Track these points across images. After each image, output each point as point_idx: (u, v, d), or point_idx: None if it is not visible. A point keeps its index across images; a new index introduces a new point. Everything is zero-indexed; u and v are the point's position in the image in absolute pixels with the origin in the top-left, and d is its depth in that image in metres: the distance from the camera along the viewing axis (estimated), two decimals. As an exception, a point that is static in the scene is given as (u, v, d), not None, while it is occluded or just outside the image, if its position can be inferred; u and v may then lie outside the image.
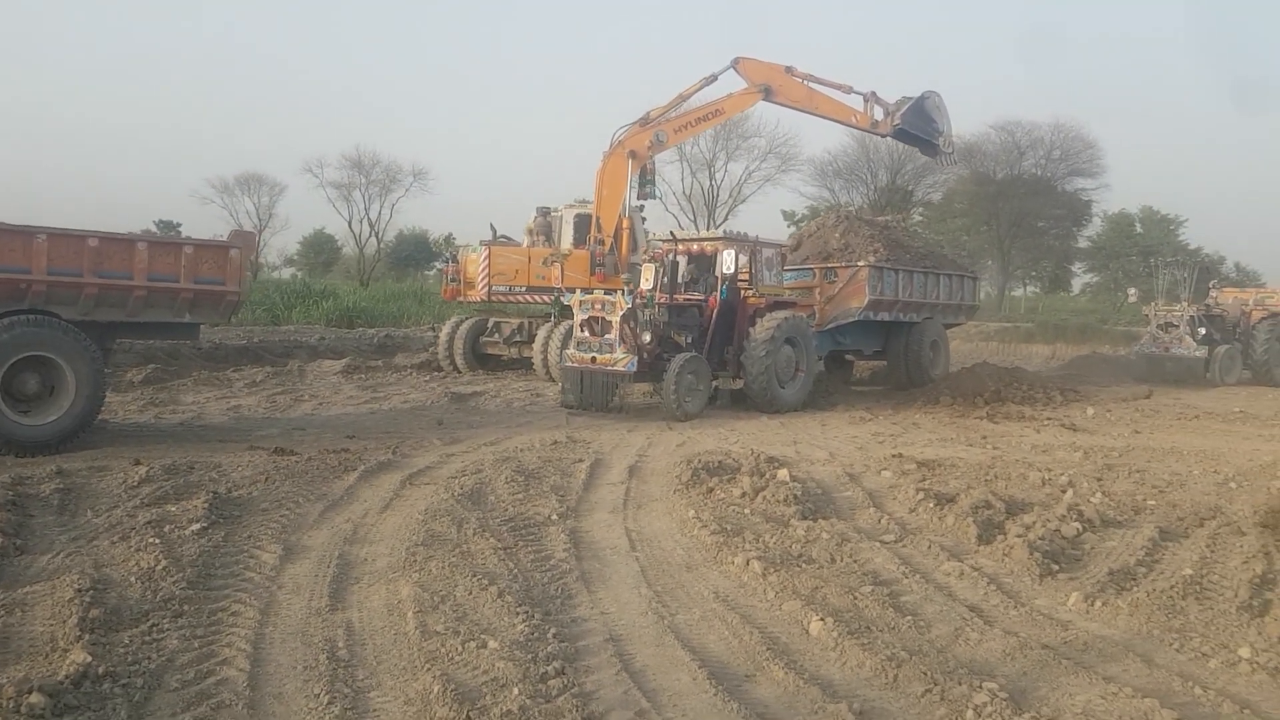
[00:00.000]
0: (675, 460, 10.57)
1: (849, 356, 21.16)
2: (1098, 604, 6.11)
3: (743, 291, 15.94)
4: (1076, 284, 77.54)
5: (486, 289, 19.40)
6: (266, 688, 4.77)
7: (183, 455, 10.02)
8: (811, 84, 19.71)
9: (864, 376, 22.40)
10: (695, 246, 16.58)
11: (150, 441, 11.24)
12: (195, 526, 7.26)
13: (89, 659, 4.75)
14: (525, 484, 9.18)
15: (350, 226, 65.75)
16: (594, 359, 14.25)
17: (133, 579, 6.13)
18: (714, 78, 19.69)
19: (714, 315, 15.54)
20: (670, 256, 16.04)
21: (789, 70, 19.57)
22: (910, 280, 19.37)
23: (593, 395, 14.37)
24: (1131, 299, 25.06)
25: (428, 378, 19.46)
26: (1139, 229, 69.67)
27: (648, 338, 14.18)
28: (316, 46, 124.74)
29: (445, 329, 21.22)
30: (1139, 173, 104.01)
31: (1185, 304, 24.06)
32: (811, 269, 19.14)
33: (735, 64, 19.64)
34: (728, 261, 15.20)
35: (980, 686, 4.70)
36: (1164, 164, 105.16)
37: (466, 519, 7.73)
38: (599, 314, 14.28)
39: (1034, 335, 38.68)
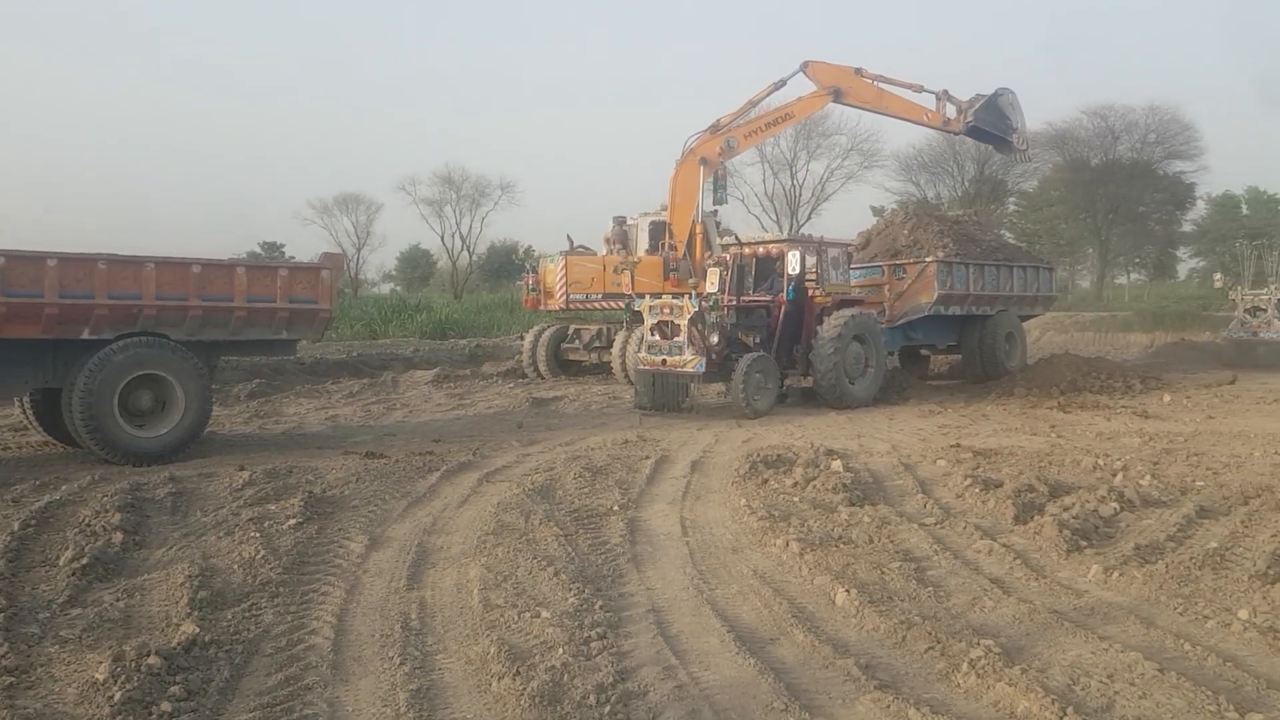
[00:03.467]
0: (738, 455, 11.08)
1: (924, 351, 21.38)
2: (1115, 575, 6.47)
3: (810, 291, 16.35)
4: (1182, 269, 75.48)
5: (565, 297, 20.23)
6: (348, 652, 5.48)
7: (283, 461, 10.90)
8: (882, 84, 20.04)
9: (942, 370, 22.55)
10: (761, 249, 17.05)
11: (255, 450, 12.21)
12: (292, 522, 8.06)
13: (197, 630, 5.52)
14: (592, 479, 9.80)
15: (443, 241, 67.85)
16: (664, 361, 14.84)
17: (236, 567, 6.94)
18: (783, 83, 20.13)
19: (781, 315, 15.98)
20: (736, 260, 16.54)
21: (858, 72, 19.92)
22: (981, 273, 19.51)
23: (665, 396, 14.97)
24: (1217, 284, 24.63)
25: (512, 384, 20.33)
26: (1245, 210, 67.52)
27: (715, 339, 14.71)
28: (404, 65, 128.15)
29: (529, 337, 22.10)
30: (1243, 153, 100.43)
31: (1272, 286, 23.60)
32: (880, 266, 19.43)
33: (804, 68, 20.06)
34: (793, 262, 15.65)
35: (978, 643, 5.15)
36: (1269, 142, 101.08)
37: (534, 511, 8.38)
38: (668, 318, 14.87)
39: (1132, 324, 37.96)
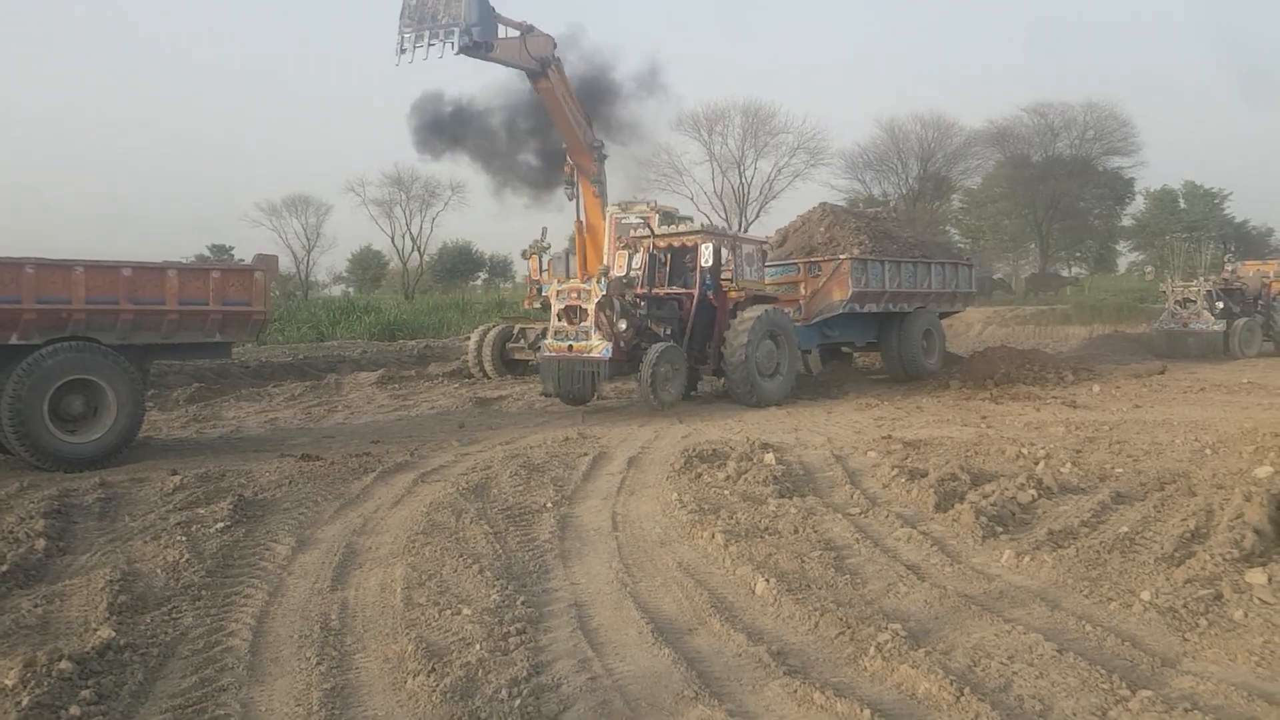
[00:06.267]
0: (675, 451, 11.17)
1: (844, 349, 21.36)
2: (1026, 560, 6.64)
3: (724, 286, 16.31)
4: (1122, 263, 76.96)
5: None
6: (265, 654, 5.49)
7: (217, 465, 10.82)
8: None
9: (880, 365, 22.80)
10: (676, 240, 16.81)
11: (190, 454, 12.09)
12: (219, 525, 8.01)
13: (113, 634, 5.50)
14: (528, 477, 9.85)
15: (393, 242, 67.10)
16: (570, 347, 14.66)
17: (159, 571, 6.90)
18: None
19: (694, 308, 15.89)
20: (649, 250, 16.41)
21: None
22: (898, 270, 19.39)
23: (570, 384, 14.77)
24: (1148, 277, 25.27)
25: (457, 385, 20.26)
26: (1183, 204, 68.97)
27: (624, 325, 14.57)
28: (350, 66, 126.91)
29: (474, 337, 22.07)
30: (1180, 149, 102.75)
31: (1202, 278, 24.22)
32: (796, 264, 19.34)
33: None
34: (706, 254, 15.50)
35: (887, 628, 5.28)
36: (1204, 138, 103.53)
37: (466, 509, 8.40)
38: (576, 303, 14.72)
39: (1070, 317, 38.62)
